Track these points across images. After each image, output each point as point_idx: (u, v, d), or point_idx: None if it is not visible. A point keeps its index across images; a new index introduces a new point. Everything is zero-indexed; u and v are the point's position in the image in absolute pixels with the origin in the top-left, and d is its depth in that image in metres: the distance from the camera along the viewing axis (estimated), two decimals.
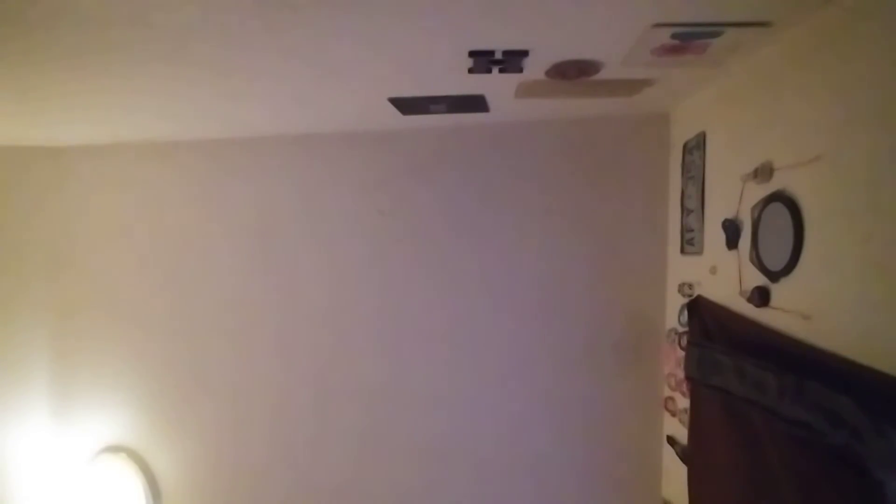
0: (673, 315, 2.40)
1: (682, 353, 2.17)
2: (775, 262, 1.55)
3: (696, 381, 1.93)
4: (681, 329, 2.29)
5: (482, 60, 1.69)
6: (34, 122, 2.38)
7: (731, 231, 1.84)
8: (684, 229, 2.30)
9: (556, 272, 2.60)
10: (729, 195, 1.85)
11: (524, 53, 1.65)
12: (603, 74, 1.86)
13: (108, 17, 1.33)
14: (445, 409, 2.69)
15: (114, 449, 2.90)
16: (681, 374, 2.16)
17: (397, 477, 2.73)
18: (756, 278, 1.66)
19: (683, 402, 2.21)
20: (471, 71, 1.79)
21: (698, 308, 2.05)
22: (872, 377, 1.15)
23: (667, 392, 2.48)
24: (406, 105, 2.21)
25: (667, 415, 2.49)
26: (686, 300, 2.20)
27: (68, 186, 2.92)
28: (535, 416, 2.63)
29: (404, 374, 2.71)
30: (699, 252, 2.15)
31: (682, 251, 2.32)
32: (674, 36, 1.53)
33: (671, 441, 2.38)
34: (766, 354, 1.50)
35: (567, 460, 2.61)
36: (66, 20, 1.35)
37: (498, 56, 1.66)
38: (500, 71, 1.79)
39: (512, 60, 1.69)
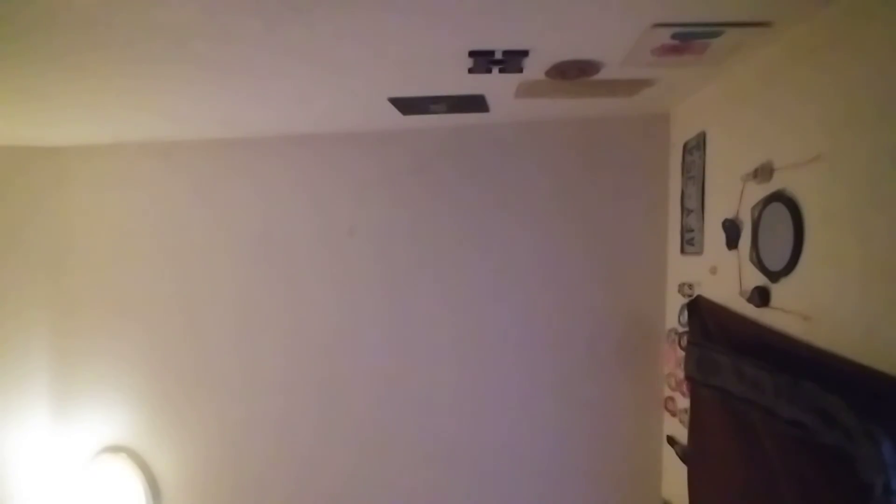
0: (673, 315, 2.40)
1: (682, 353, 2.17)
2: (775, 262, 1.55)
3: (696, 381, 1.93)
4: (681, 329, 2.29)
5: (482, 60, 1.69)
6: (33, 121, 2.38)
7: (731, 231, 1.84)
8: (684, 229, 2.30)
9: (557, 272, 2.60)
10: (729, 195, 1.85)
11: (524, 53, 1.65)
12: (603, 74, 1.86)
13: (107, 15, 1.33)
14: (447, 410, 2.68)
15: (114, 449, 2.90)
16: (681, 374, 2.16)
17: (400, 477, 2.72)
18: (756, 278, 1.66)
19: (683, 402, 2.21)
20: (471, 71, 1.79)
21: (698, 308, 2.05)
22: (872, 377, 1.15)
23: (667, 392, 2.48)
24: (406, 105, 2.21)
25: (667, 415, 2.49)
26: (686, 300, 2.20)
27: (68, 186, 2.92)
28: (536, 416, 2.63)
29: (407, 374, 2.71)
30: (699, 252, 2.15)
31: (682, 251, 2.32)
32: (674, 36, 1.53)
33: (671, 441, 2.38)
34: (766, 355, 1.50)
35: (568, 460, 2.61)
36: (64, 19, 1.34)
37: (498, 56, 1.66)
38: (500, 71, 1.78)
39: (512, 60, 1.69)
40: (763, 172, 1.63)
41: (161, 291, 2.87)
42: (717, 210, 1.98)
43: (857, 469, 1.09)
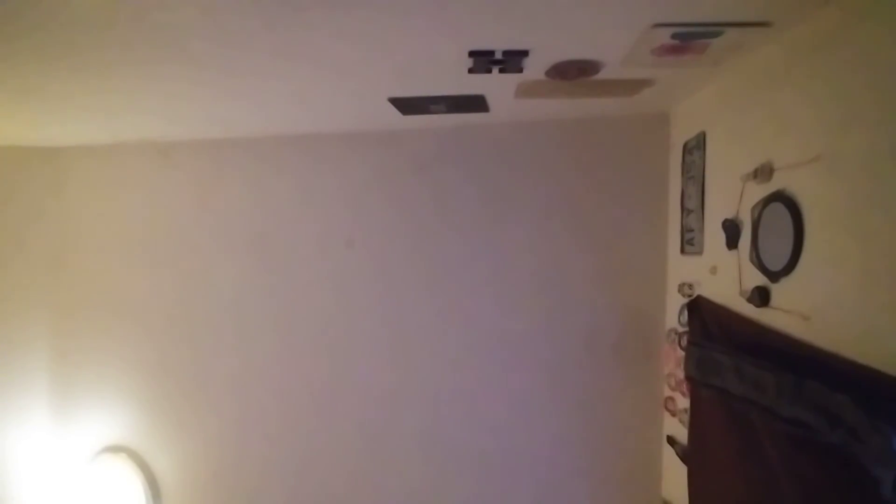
0: (673, 315, 2.40)
1: (682, 353, 2.17)
2: (775, 262, 1.55)
3: (696, 381, 1.93)
4: (681, 329, 2.29)
5: (482, 60, 1.69)
6: (34, 122, 2.38)
7: (731, 231, 1.84)
8: (684, 229, 2.30)
9: (557, 272, 2.60)
10: (729, 195, 1.85)
11: (524, 53, 1.65)
12: (603, 74, 1.86)
13: (107, 16, 1.33)
14: (446, 410, 2.68)
15: (114, 449, 2.90)
16: (681, 374, 2.16)
17: (398, 477, 2.72)
18: (756, 278, 1.66)
19: (683, 402, 2.21)
20: (471, 71, 1.79)
21: (698, 308, 2.05)
22: (872, 377, 1.15)
23: (667, 392, 2.48)
24: (406, 105, 2.21)
25: (667, 415, 2.49)
26: (686, 300, 2.20)
27: (68, 187, 2.92)
28: (536, 416, 2.63)
29: (405, 375, 2.71)
30: (699, 252, 2.15)
31: (682, 251, 2.32)
32: (674, 36, 1.53)
33: (671, 441, 2.38)
34: (766, 354, 1.50)
35: (567, 460, 2.61)
36: (65, 20, 1.35)
37: (498, 56, 1.66)
38: (500, 71, 1.79)
39: (512, 60, 1.69)
40: (763, 172, 1.63)
41: (161, 291, 2.87)
42: (717, 210, 1.98)
43: (864, 465, 1.09)
